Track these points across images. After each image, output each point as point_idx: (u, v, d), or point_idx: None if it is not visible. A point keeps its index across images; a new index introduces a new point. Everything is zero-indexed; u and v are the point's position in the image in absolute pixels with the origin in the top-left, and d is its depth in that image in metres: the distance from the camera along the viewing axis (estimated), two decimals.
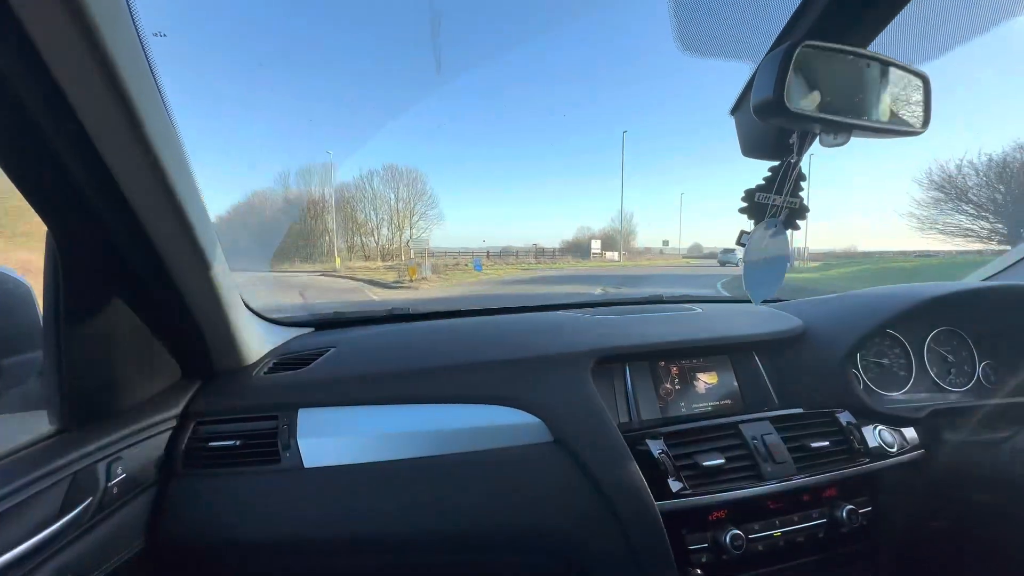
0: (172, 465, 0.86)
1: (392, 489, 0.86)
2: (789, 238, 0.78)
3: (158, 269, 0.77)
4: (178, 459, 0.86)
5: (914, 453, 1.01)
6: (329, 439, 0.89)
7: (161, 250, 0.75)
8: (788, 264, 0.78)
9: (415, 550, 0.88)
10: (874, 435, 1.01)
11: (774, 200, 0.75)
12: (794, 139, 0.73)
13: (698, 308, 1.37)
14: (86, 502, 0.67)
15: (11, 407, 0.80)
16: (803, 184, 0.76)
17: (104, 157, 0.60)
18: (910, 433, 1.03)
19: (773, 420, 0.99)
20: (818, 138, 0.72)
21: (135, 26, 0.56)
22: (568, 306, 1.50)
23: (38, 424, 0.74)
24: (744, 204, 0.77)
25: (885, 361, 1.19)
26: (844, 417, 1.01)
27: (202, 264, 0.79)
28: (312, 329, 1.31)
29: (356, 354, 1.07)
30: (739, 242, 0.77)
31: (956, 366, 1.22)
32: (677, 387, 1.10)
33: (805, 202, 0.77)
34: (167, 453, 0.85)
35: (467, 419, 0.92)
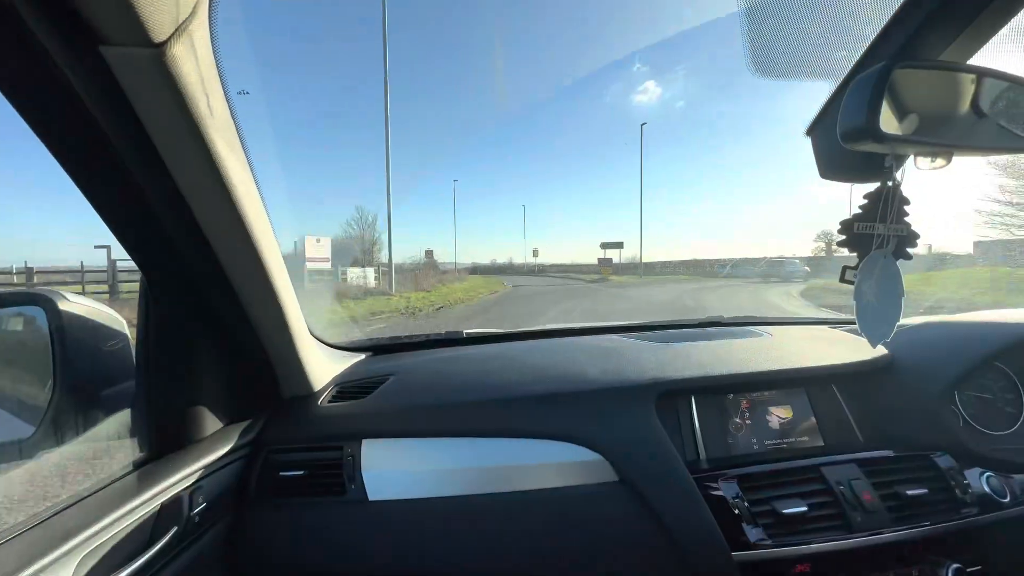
0: (246, 494, 0.89)
1: (453, 527, 0.85)
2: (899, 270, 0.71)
3: (234, 305, 0.82)
4: (252, 488, 0.90)
5: None
6: (391, 472, 0.90)
7: (238, 288, 0.79)
8: (902, 298, 0.71)
9: None
10: (981, 482, 0.90)
11: (877, 229, 0.69)
12: (890, 162, 0.67)
13: (766, 332, 1.29)
14: (172, 531, 0.70)
15: (110, 435, 0.87)
16: (907, 208, 0.69)
17: (193, 209, 0.64)
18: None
19: (860, 463, 0.90)
20: (915, 161, 0.66)
21: (223, 86, 0.59)
22: (622, 329, 1.45)
23: (132, 451, 0.80)
24: (843, 236, 0.70)
25: (988, 396, 1.07)
26: (943, 461, 0.91)
27: (274, 298, 0.83)
28: (371, 354, 1.34)
29: (415, 383, 1.09)
30: (843, 279, 0.71)
31: None
32: (748, 422, 1.03)
33: (913, 228, 0.70)
34: (241, 482, 0.89)
35: (527, 454, 0.90)
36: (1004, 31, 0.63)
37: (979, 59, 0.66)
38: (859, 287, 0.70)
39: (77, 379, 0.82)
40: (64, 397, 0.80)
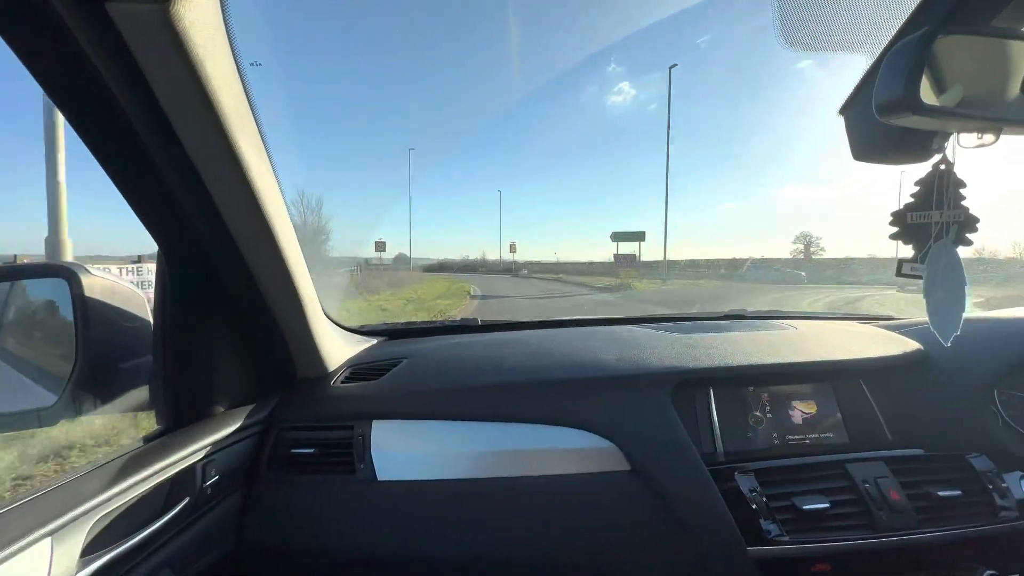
0: (257, 470, 0.90)
1: (460, 509, 0.84)
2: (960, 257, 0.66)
3: (250, 284, 0.82)
4: (263, 464, 0.91)
5: None
6: (401, 452, 0.90)
7: (253, 267, 0.79)
8: (967, 289, 0.66)
9: (481, 574, 0.86)
10: (1020, 485, 0.84)
11: (934, 217, 0.64)
12: (939, 141, 0.62)
13: (792, 326, 1.24)
14: (184, 502, 0.71)
15: (127, 407, 0.88)
16: (963, 192, 0.64)
17: (205, 182, 0.65)
18: None
19: (888, 461, 0.86)
20: (958, 139, 0.62)
21: (233, 52, 0.59)
22: (641, 320, 1.42)
23: (148, 424, 0.81)
24: (896, 229, 0.66)
25: None
26: (979, 462, 0.86)
27: (288, 279, 0.83)
28: (385, 338, 1.35)
29: (428, 366, 1.08)
30: (900, 273, 0.67)
31: None
32: (769, 415, 1.00)
33: (971, 212, 0.65)
34: (253, 458, 0.90)
35: (538, 440, 0.89)
36: None
37: None
38: (928, 282, 0.66)
39: (98, 351, 0.83)
40: (85, 368, 0.81)
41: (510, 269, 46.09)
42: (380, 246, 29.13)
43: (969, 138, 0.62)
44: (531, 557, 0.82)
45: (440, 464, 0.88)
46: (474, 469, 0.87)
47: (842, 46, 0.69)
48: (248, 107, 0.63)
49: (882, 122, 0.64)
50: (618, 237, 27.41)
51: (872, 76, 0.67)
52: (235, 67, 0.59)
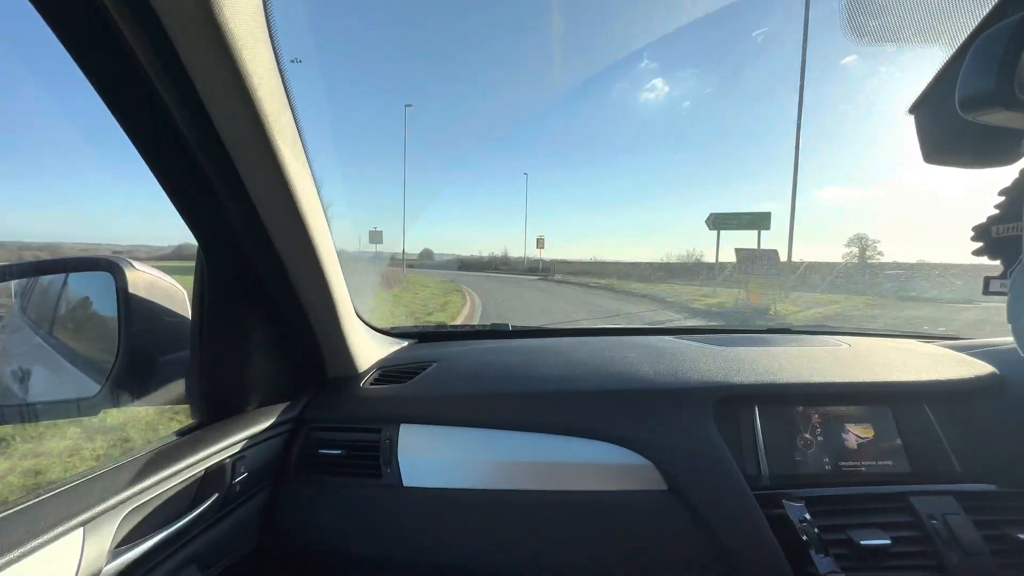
0: (286, 468, 0.90)
1: (486, 521, 0.82)
2: None
3: (284, 282, 0.82)
4: (292, 463, 0.90)
5: None
6: (428, 458, 0.88)
7: (287, 265, 0.79)
8: None
9: None
10: None
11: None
12: None
13: (844, 342, 1.16)
14: (213, 498, 0.71)
15: (164, 400, 0.90)
16: None
17: (241, 175, 0.65)
18: None
19: (958, 496, 0.78)
20: None
21: (275, 53, 0.59)
22: (680, 331, 1.36)
23: (183, 418, 0.82)
24: (979, 244, 0.60)
25: None
26: None
27: (322, 277, 0.83)
28: (416, 340, 1.34)
29: (457, 371, 1.06)
30: (988, 291, 0.60)
31: None
32: (820, 438, 0.92)
33: None
34: (282, 456, 0.90)
35: (569, 452, 0.85)
36: None
37: None
38: (1014, 303, 0.58)
39: (138, 345, 0.85)
40: (126, 361, 0.83)
41: (536, 269, 36.75)
42: (376, 236, 23.42)
43: None
44: (556, 574, 0.78)
45: (467, 472, 0.86)
46: (501, 480, 0.84)
47: (915, 38, 0.64)
48: (286, 103, 0.63)
49: (959, 121, 0.58)
50: (723, 223, 15.84)
51: (950, 70, 0.61)
52: (275, 62, 0.59)
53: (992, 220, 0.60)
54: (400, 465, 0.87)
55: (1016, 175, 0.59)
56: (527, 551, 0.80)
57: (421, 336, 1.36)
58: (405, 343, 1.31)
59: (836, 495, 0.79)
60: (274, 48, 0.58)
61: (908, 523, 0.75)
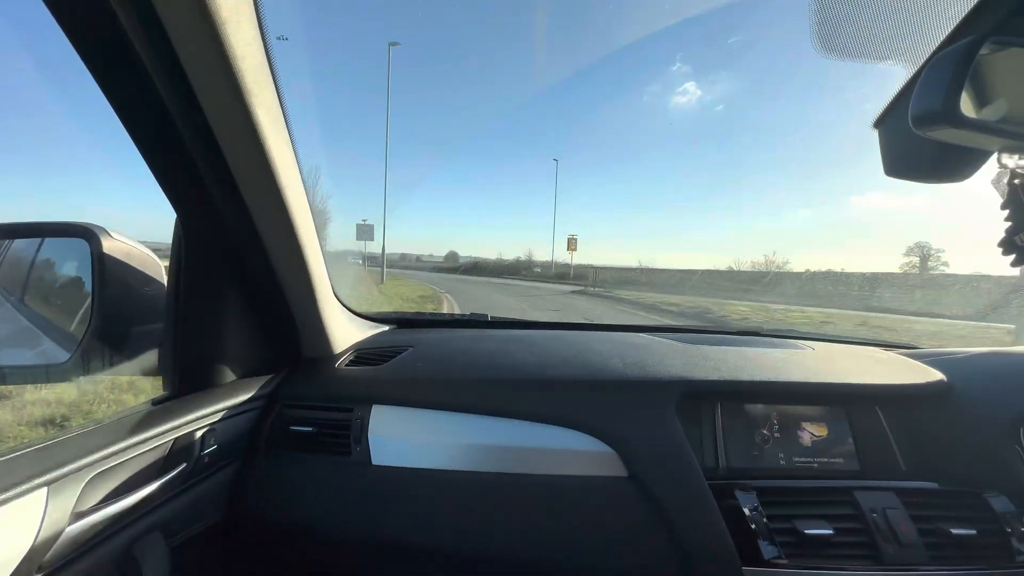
0: (256, 443, 0.91)
1: (452, 500, 0.84)
2: None
3: (262, 258, 0.83)
4: (262, 438, 0.91)
5: None
6: (398, 439, 0.90)
7: (265, 240, 0.80)
8: None
9: (465, 569, 0.85)
10: None
11: None
12: (982, 161, 0.59)
13: (809, 347, 1.21)
14: (180, 467, 0.72)
15: (137, 370, 0.90)
16: None
17: (222, 147, 0.65)
18: None
19: (900, 492, 0.82)
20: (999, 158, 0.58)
21: (261, 28, 0.59)
22: (654, 329, 1.40)
23: (154, 389, 0.82)
24: (1013, 256, 0.60)
25: None
26: (999, 502, 0.82)
27: (300, 256, 0.84)
28: (394, 326, 1.35)
29: (433, 356, 1.08)
30: None
31: None
32: (777, 435, 0.96)
33: None
34: (253, 431, 0.91)
35: (536, 438, 0.87)
36: None
37: None
38: None
39: (112, 313, 0.85)
40: (98, 329, 0.83)
41: (566, 275, 30.07)
42: (364, 231, 18.12)
43: (1011, 159, 0.59)
44: (517, 555, 0.81)
45: (436, 454, 0.88)
46: (469, 462, 0.86)
47: (881, 56, 0.67)
48: (270, 78, 0.63)
49: (918, 137, 0.61)
50: None
51: (910, 88, 0.64)
52: (259, 37, 0.59)
53: (1011, 232, 0.62)
54: (370, 443, 0.89)
55: (1006, 187, 0.62)
56: (490, 531, 0.82)
57: (400, 322, 1.38)
58: (384, 328, 1.32)
59: (786, 487, 0.83)
60: (260, 24, 0.58)
61: (851, 515, 0.79)
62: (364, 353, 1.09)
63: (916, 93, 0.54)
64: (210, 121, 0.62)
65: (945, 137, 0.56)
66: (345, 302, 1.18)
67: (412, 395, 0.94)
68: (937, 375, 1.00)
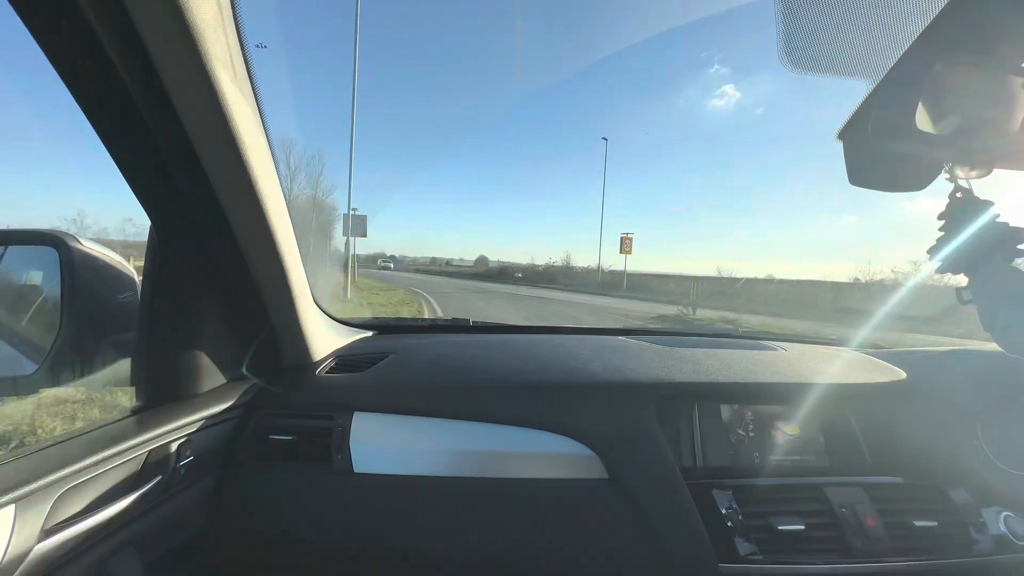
0: (235, 453, 0.90)
1: (434, 507, 0.84)
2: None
3: (241, 265, 0.82)
4: (241, 448, 0.90)
5: None
6: (380, 446, 0.89)
7: (244, 248, 0.79)
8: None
9: (449, 574, 0.85)
10: (998, 521, 0.84)
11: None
12: (936, 172, 0.62)
13: (782, 348, 1.25)
14: (155, 481, 0.71)
15: (108, 381, 0.88)
16: (997, 211, 0.63)
17: (201, 159, 0.65)
18: None
19: (867, 487, 0.86)
20: (951, 168, 0.62)
21: (239, 37, 0.59)
22: (631, 332, 1.42)
23: (126, 400, 0.80)
24: (939, 263, 0.66)
25: (1017, 432, 1.00)
26: (958, 495, 0.86)
27: (279, 263, 0.83)
28: (376, 332, 1.34)
29: (414, 362, 1.08)
30: (963, 301, 0.65)
31: None
32: (751, 434, 0.99)
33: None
34: (231, 441, 0.89)
35: (518, 442, 0.88)
36: None
37: None
38: (983, 311, 0.63)
39: (83, 323, 0.83)
40: (68, 339, 0.81)
41: (616, 285, 23.98)
42: (357, 225, 13.97)
43: (962, 170, 0.62)
44: (501, 558, 0.82)
45: (419, 460, 0.88)
46: (452, 467, 0.87)
47: (844, 71, 0.70)
48: (249, 87, 0.63)
49: (879, 148, 0.64)
50: None
51: (871, 101, 0.68)
52: (239, 46, 0.59)
53: (943, 240, 0.66)
54: (352, 451, 0.88)
55: (947, 200, 0.66)
56: (473, 536, 0.83)
57: (381, 328, 1.37)
58: (365, 333, 1.31)
59: (761, 485, 0.86)
60: (239, 32, 0.58)
61: (821, 511, 0.82)
62: (345, 360, 1.09)
63: (876, 108, 0.57)
64: (188, 130, 0.61)
65: (902, 148, 0.60)
66: (326, 309, 1.17)
67: (394, 402, 0.94)
68: (900, 374, 1.05)
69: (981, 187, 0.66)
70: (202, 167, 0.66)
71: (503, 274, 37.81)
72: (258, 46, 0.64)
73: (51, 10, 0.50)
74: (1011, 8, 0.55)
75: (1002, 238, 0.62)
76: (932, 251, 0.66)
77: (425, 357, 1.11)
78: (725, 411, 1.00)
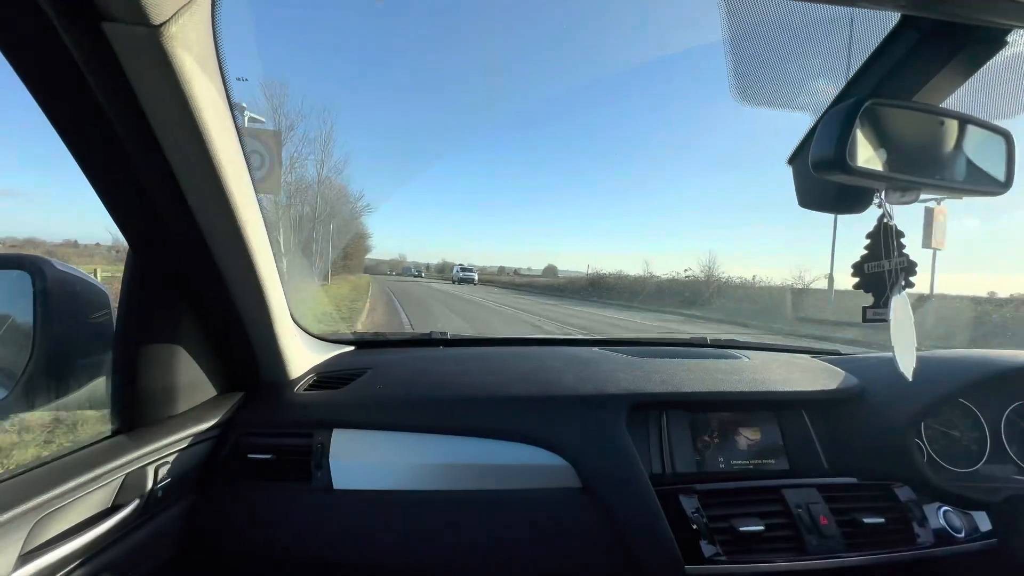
0: (213, 473, 0.90)
1: (414, 520, 0.86)
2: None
3: (218, 286, 0.83)
4: (219, 468, 0.90)
5: (984, 542, 0.90)
6: (359, 462, 0.91)
7: (222, 269, 0.80)
8: (913, 324, 0.73)
9: None
10: (938, 516, 0.91)
11: (884, 266, 0.71)
12: (871, 198, 0.69)
13: (746, 356, 1.31)
14: (133, 504, 0.71)
15: (82, 404, 0.87)
16: (904, 241, 0.71)
17: (182, 185, 0.66)
18: (981, 518, 0.93)
19: (821, 488, 0.92)
20: (884, 196, 0.69)
21: (221, 71, 0.61)
22: (605, 342, 1.47)
23: (101, 422, 0.80)
24: (856, 279, 0.72)
25: (955, 433, 1.09)
26: (903, 492, 0.93)
27: (257, 282, 0.84)
28: (353, 347, 1.35)
29: (393, 377, 1.10)
30: (865, 319, 0.72)
31: None
32: (716, 440, 1.05)
33: (911, 258, 0.72)
34: (209, 461, 0.90)
35: (494, 455, 0.91)
36: (976, 77, 0.66)
37: (953, 101, 0.69)
38: (895, 326, 0.71)
39: (56, 346, 0.82)
40: (41, 363, 0.80)
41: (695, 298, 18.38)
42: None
43: (893, 195, 0.69)
44: (480, 570, 0.84)
45: (398, 475, 0.90)
46: (431, 481, 0.89)
47: (788, 105, 0.77)
48: (231, 121, 0.65)
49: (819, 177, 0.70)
50: None
51: (810, 137, 0.74)
52: (222, 85, 0.61)
53: (864, 259, 0.73)
54: (332, 468, 0.90)
55: (875, 222, 0.73)
56: (454, 548, 0.85)
57: (359, 343, 1.38)
58: (342, 349, 1.32)
59: (725, 489, 0.91)
60: (222, 70, 0.61)
61: (779, 512, 0.87)
62: (324, 377, 1.10)
63: (814, 143, 0.63)
64: (171, 163, 0.63)
65: (839, 180, 0.66)
66: (303, 325, 1.18)
67: (373, 418, 0.96)
68: (852, 380, 1.12)
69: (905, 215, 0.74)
70: (182, 192, 0.68)
71: (596, 288, 24.85)
72: (239, 79, 0.66)
73: (22, 29, 0.51)
74: (922, 61, 0.62)
75: (906, 266, 0.70)
76: (855, 267, 0.73)
77: (404, 372, 1.13)
78: (692, 419, 1.05)
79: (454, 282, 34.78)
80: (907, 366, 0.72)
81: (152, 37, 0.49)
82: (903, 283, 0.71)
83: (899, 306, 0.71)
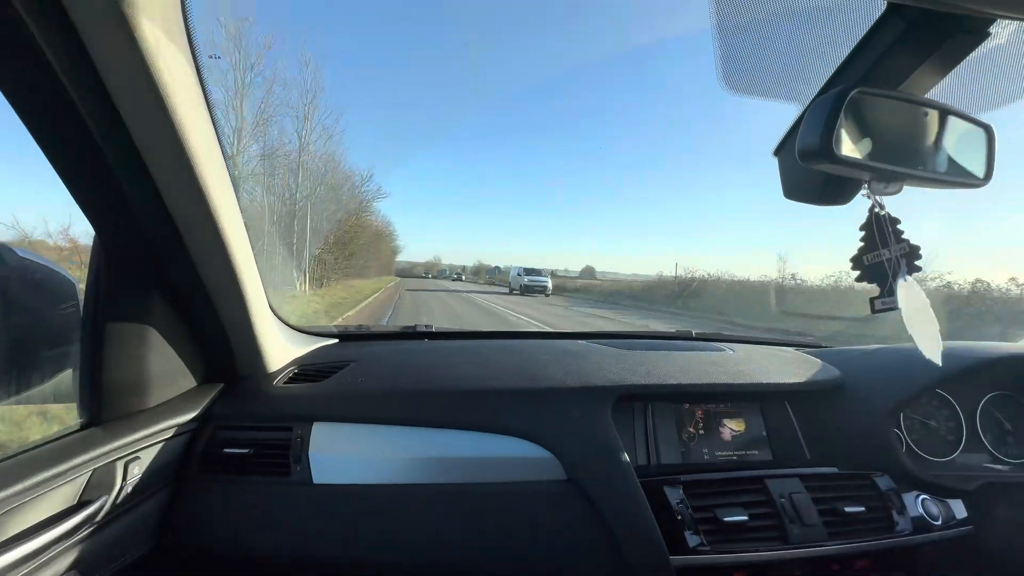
0: (188, 468, 0.87)
1: (396, 515, 0.84)
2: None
3: (191, 274, 0.80)
4: (194, 463, 0.88)
5: (961, 529, 0.92)
6: (339, 456, 0.89)
7: (195, 257, 0.77)
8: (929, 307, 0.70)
9: None
10: (916, 504, 0.93)
11: (884, 255, 0.70)
12: (857, 189, 0.69)
13: (730, 349, 1.32)
14: (101, 500, 0.68)
15: (47, 398, 0.84)
16: (900, 227, 0.70)
17: (150, 168, 0.63)
18: (957, 506, 0.95)
19: (804, 478, 0.93)
20: (869, 186, 0.69)
21: (191, 47, 0.58)
22: (591, 336, 1.47)
23: (68, 416, 0.77)
24: (858, 272, 0.72)
25: (932, 423, 1.11)
26: (883, 482, 0.94)
27: (232, 271, 0.82)
28: (336, 340, 1.33)
29: (375, 370, 1.08)
30: (875, 310, 0.71)
31: (1015, 434, 1.12)
32: (701, 432, 1.05)
33: (912, 242, 0.70)
34: (184, 456, 0.87)
35: (478, 448, 0.90)
36: (959, 69, 0.67)
37: (937, 93, 0.69)
38: (908, 314, 0.69)
39: (19, 337, 0.79)
40: (3, 355, 0.77)
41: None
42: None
43: (878, 186, 0.69)
44: (464, 563, 0.83)
45: (380, 468, 0.88)
46: (415, 474, 0.88)
47: (775, 94, 0.76)
48: (202, 98, 0.62)
49: (806, 168, 0.70)
50: None
51: (797, 127, 0.74)
52: (192, 60, 0.58)
53: (862, 251, 0.73)
54: (311, 462, 0.88)
55: (867, 213, 0.73)
56: (437, 542, 0.84)
57: (342, 336, 1.36)
58: (326, 341, 1.30)
59: (709, 480, 0.91)
60: (191, 44, 0.58)
61: (763, 502, 0.88)
62: (304, 369, 1.07)
63: (800, 132, 0.63)
64: (136, 142, 0.60)
65: (825, 169, 0.66)
66: (284, 317, 1.15)
67: (354, 410, 0.94)
68: (834, 371, 1.14)
69: (894, 203, 0.74)
70: (149, 174, 0.65)
71: (690, 295, 20.64)
72: (211, 56, 0.63)
73: None
74: (907, 51, 0.62)
75: (908, 251, 0.69)
76: (854, 260, 0.73)
77: (387, 364, 1.11)
78: (677, 411, 1.06)
79: (513, 291, 23.91)
80: (932, 351, 0.68)
81: (113, 10, 0.46)
82: (906, 268, 0.71)
83: (909, 292, 0.70)
